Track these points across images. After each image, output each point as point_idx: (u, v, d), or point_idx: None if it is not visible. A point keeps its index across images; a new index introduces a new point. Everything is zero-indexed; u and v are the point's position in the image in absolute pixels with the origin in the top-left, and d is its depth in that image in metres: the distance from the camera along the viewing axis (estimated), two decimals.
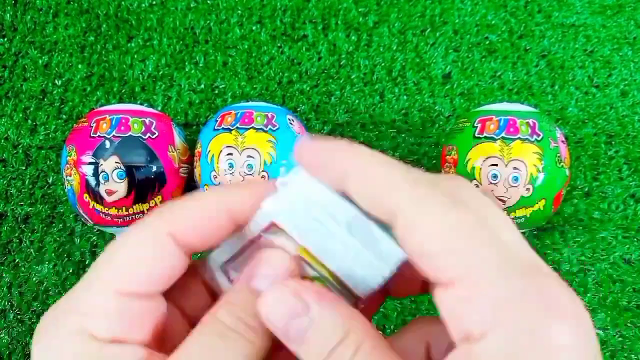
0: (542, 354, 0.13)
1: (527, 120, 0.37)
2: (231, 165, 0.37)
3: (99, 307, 0.16)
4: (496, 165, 0.36)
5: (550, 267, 0.15)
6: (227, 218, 0.18)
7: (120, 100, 0.47)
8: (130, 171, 0.37)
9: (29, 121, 0.46)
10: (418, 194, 0.15)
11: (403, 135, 0.47)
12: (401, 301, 0.42)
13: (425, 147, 0.46)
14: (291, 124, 0.39)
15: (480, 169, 0.36)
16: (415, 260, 0.16)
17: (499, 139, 0.36)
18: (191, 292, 0.20)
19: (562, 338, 0.13)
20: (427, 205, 0.15)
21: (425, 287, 0.19)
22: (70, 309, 0.17)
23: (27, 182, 0.45)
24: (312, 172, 0.18)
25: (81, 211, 0.38)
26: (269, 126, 0.38)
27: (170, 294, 0.18)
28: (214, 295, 0.20)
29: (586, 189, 0.45)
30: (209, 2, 0.50)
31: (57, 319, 0.16)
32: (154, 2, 0.50)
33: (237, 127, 0.38)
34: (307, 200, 0.18)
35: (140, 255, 0.17)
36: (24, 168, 0.45)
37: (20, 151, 0.45)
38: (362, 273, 0.18)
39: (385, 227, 0.17)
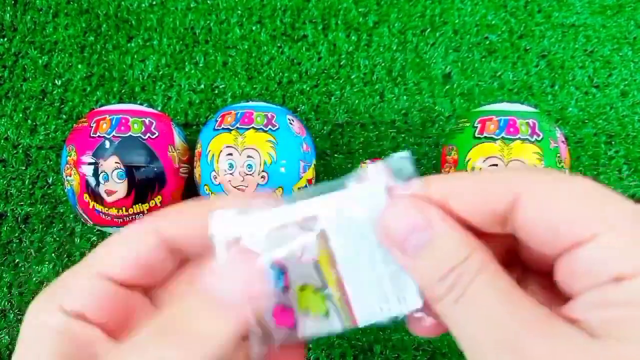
0: None
1: (527, 121, 0.37)
2: (231, 166, 0.37)
3: (75, 285, 0.18)
4: (496, 165, 0.36)
5: None
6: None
7: (120, 100, 0.47)
8: (130, 171, 0.37)
9: (29, 121, 0.46)
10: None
11: (403, 135, 0.47)
12: None
13: (425, 147, 0.46)
14: (291, 124, 0.39)
15: (481, 169, 0.36)
16: (546, 233, 0.15)
17: (499, 139, 0.36)
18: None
19: None
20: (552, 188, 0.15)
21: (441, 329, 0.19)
22: (52, 290, 0.18)
23: (27, 182, 0.45)
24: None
25: (81, 211, 0.38)
26: (269, 126, 0.38)
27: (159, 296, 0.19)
28: None
29: None
30: (209, 2, 0.50)
31: (39, 301, 0.18)
32: (154, 2, 0.50)
33: (237, 127, 0.38)
34: (364, 206, 0.17)
35: (125, 245, 0.18)
36: (24, 168, 0.45)
37: (20, 151, 0.45)
38: (372, 302, 0.17)
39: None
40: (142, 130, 0.38)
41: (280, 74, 0.48)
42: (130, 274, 0.18)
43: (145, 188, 0.37)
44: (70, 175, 0.38)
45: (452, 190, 0.16)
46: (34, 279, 0.43)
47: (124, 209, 0.37)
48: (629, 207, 0.14)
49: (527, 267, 0.18)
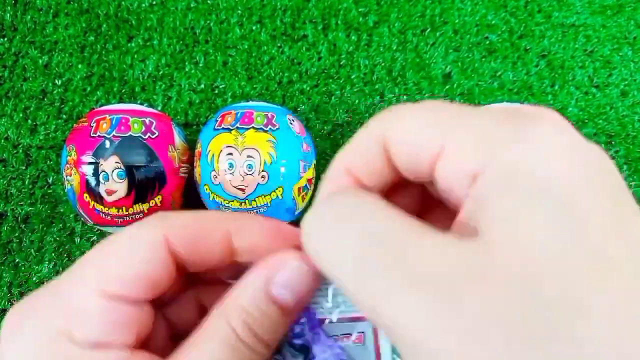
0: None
1: None
2: (231, 165, 0.37)
3: (82, 309, 0.15)
4: None
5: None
6: (223, 239, 0.17)
7: (120, 100, 0.47)
8: (130, 171, 0.37)
9: (29, 121, 0.46)
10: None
11: None
12: None
13: None
14: (291, 124, 0.39)
15: None
16: (411, 154, 0.15)
17: None
18: (180, 304, 0.19)
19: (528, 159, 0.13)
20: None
21: None
22: (51, 307, 0.15)
23: (27, 182, 0.45)
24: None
25: (81, 211, 0.38)
26: (269, 126, 0.38)
27: (156, 302, 0.17)
28: (202, 310, 0.19)
29: None
30: (209, 2, 0.50)
31: (37, 317, 0.15)
32: (154, 2, 0.50)
33: (237, 127, 0.38)
34: None
35: (131, 257, 0.16)
36: (24, 168, 0.45)
37: (20, 151, 0.45)
38: None
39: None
40: (142, 130, 0.38)
41: (280, 73, 0.48)
42: (136, 290, 0.16)
43: (146, 188, 0.38)
44: (70, 175, 0.38)
45: (346, 162, 0.17)
46: (34, 279, 0.43)
47: (124, 208, 0.37)
48: (459, 109, 0.15)
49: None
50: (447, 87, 0.48)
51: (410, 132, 0.15)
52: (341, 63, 0.49)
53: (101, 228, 0.40)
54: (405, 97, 0.48)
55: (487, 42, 0.50)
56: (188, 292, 0.19)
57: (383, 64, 0.49)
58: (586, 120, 0.48)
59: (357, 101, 0.48)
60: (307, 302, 0.17)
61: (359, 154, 0.16)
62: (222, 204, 0.38)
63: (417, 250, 0.13)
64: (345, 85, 0.48)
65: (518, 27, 0.50)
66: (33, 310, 0.15)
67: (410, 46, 0.50)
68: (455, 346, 0.11)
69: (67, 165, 0.38)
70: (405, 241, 0.13)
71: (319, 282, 0.17)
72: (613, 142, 0.47)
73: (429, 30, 0.50)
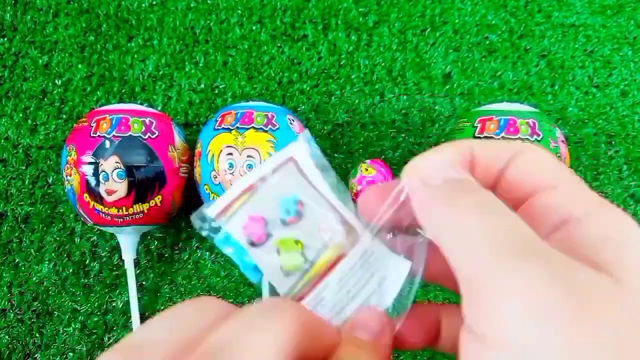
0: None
1: (527, 120, 0.37)
2: (231, 165, 0.37)
3: None
4: None
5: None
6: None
7: (120, 100, 0.47)
8: (130, 171, 0.37)
9: (29, 121, 0.46)
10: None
11: (403, 135, 0.47)
12: None
13: (425, 147, 0.46)
14: (291, 124, 0.39)
15: None
16: (524, 178, 0.18)
17: (499, 138, 0.36)
18: None
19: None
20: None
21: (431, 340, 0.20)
22: None
23: (27, 182, 0.45)
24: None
25: (81, 211, 0.38)
26: (269, 126, 0.38)
27: None
28: None
29: None
30: (209, 2, 0.50)
31: None
32: (154, 2, 0.50)
33: (237, 127, 0.38)
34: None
35: None
36: (24, 168, 0.45)
37: (20, 151, 0.45)
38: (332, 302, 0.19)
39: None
40: (142, 130, 0.38)
41: (280, 73, 0.49)
42: None
43: (146, 188, 0.38)
44: (70, 175, 0.38)
45: (471, 148, 0.19)
46: (34, 279, 0.43)
47: (124, 208, 0.37)
48: (580, 179, 0.17)
49: None
50: (447, 87, 0.48)
51: (535, 166, 0.18)
52: (341, 63, 0.49)
53: (101, 228, 0.40)
54: (405, 97, 0.48)
55: (487, 42, 0.50)
56: None
57: (383, 64, 0.49)
58: (586, 120, 0.48)
59: (357, 101, 0.48)
60: (387, 339, 0.19)
61: (492, 152, 0.18)
62: None
63: (549, 253, 0.14)
64: (345, 85, 0.48)
65: (518, 27, 0.50)
66: None
67: (410, 46, 0.50)
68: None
69: (67, 165, 0.38)
70: (542, 245, 0.14)
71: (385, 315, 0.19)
72: (613, 142, 0.47)
73: (429, 30, 0.50)
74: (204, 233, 0.19)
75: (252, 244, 0.19)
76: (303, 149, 0.20)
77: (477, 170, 0.18)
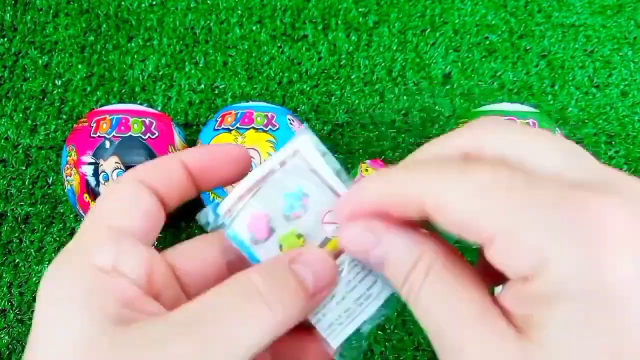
0: (597, 288, 0.13)
1: (527, 120, 0.37)
2: None
3: (97, 241, 0.17)
4: None
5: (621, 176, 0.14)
6: (185, 171, 0.20)
7: (120, 100, 0.47)
8: None
9: (29, 121, 0.46)
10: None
11: (403, 135, 0.47)
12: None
13: None
14: (291, 124, 0.39)
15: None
16: (460, 231, 0.15)
17: None
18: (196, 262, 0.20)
19: (618, 268, 0.13)
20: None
21: None
22: (74, 250, 0.17)
23: (27, 182, 0.45)
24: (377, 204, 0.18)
25: (81, 211, 0.38)
26: (269, 126, 0.38)
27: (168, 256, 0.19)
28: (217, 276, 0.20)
29: None
30: (209, 2, 0.50)
31: (63, 261, 0.17)
32: (154, 2, 0.50)
33: (237, 127, 0.38)
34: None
35: (121, 197, 0.18)
36: (24, 168, 0.45)
37: (20, 151, 0.45)
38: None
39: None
40: (142, 130, 0.38)
41: (280, 74, 0.48)
42: (143, 226, 0.18)
43: None
44: (70, 175, 0.38)
45: (379, 195, 0.17)
46: (34, 279, 0.43)
47: None
48: (513, 197, 0.14)
49: None
50: (447, 87, 0.48)
51: (461, 212, 0.15)
52: (341, 63, 0.49)
53: None
54: (405, 97, 0.48)
55: (487, 42, 0.50)
56: (198, 244, 0.21)
57: (383, 64, 0.49)
58: (586, 121, 0.48)
59: (357, 101, 0.48)
60: (326, 294, 0.18)
61: (399, 210, 0.17)
62: None
63: (478, 344, 0.14)
64: (345, 85, 0.48)
65: (518, 27, 0.50)
66: (60, 257, 0.17)
67: (410, 46, 0.50)
68: None
69: (67, 165, 0.38)
70: (464, 334, 0.15)
71: (336, 279, 0.19)
72: (613, 142, 0.47)
73: (429, 30, 0.50)
74: (209, 230, 0.20)
75: (256, 242, 0.19)
76: (307, 139, 0.20)
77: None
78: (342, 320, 0.19)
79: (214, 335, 0.15)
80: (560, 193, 0.14)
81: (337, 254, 0.19)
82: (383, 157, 0.46)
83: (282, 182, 0.20)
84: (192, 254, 0.20)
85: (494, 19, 0.51)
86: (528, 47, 0.50)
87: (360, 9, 0.50)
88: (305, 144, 0.20)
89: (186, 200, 0.21)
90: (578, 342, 0.13)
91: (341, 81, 0.48)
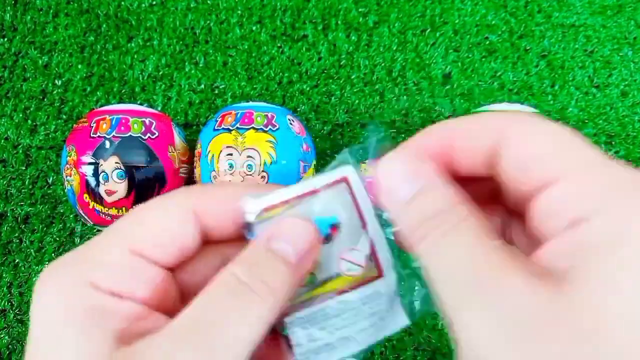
0: None
1: None
2: (231, 166, 0.37)
3: (110, 261, 0.16)
4: None
5: None
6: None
7: (120, 100, 0.47)
8: (130, 171, 0.37)
9: (29, 121, 0.46)
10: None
11: (403, 135, 0.47)
12: None
13: None
14: (291, 124, 0.39)
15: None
16: (520, 173, 0.15)
17: None
18: (196, 270, 0.20)
19: None
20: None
21: None
22: (77, 260, 0.17)
23: (27, 182, 0.45)
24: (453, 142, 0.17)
25: (81, 211, 0.38)
26: (269, 126, 0.38)
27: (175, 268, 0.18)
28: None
29: None
30: (209, 2, 0.50)
31: (66, 267, 0.16)
32: (154, 2, 0.50)
33: (237, 127, 0.38)
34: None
35: (164, 223, 0.17)
36: (24, 168, 0.45)
37: (20, 151, 0.45)
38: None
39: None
40: (142, 131, 0.38)
41: (280, 74, 0.48)
42: (164, 253, 0.17)
43: (146, 188, 0.38)
44: (70, 175, 0.38)
45: (447, 137, 0.17)
46: (34, 279, 0.43)
47: (124, 209, 0.37)
48: (592, 153, 0.15)
49: (511, 212, 0.18)
50: (447, 87, 0.48)
51: (529, 154, 0.15)
52: (341, 63, 0.49)
53: (101, 228, 0.40)
54: (405, 97, 0.48)
55: (487, 42, 0.50)
56: (205, 258, 0.20)
57: (383, 64, 0.49)
58: (586, 121, 0.48)
59: (357, 101, 0.48)
60: (313, 258, 0.18)
61: (470, 139, 0.17)
62: None
63: (507, 288, 0.14)
64: (345, 85, 0.48)
65: (518, 27, 0.50)
66: (64, 263, 0.16)
67: (410, 46, 0.50)
68: None
69: (67, 165, 0.38)
70: (496, 277, 0.14)
71: (321, 240, 0.18)
72: (613, 143, 0.47)
73: (429, 30, 0.50)
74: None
75: None
76: (355, 174, 0.19)
77: (460, 164, 0.17)
78: (316, 343, 0.19)
79: (213, 339, 0.15)
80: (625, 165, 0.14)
81: (340, 291, 0.19)
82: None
83: (320, 205, 0.19)
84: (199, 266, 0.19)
85: (494, 19, 0.51)
86: (528, 47, 0.50)
87: (360, 9, 0.50)
88: (352, 175, 0.19)
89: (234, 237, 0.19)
90: (628, 289, 0.13)
91: (341, 81, 0.48)
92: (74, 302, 0.16)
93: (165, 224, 0.17)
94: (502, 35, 0.50)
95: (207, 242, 0.19)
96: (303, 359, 0.19)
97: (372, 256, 0.19)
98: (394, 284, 0.19)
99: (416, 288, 0.20)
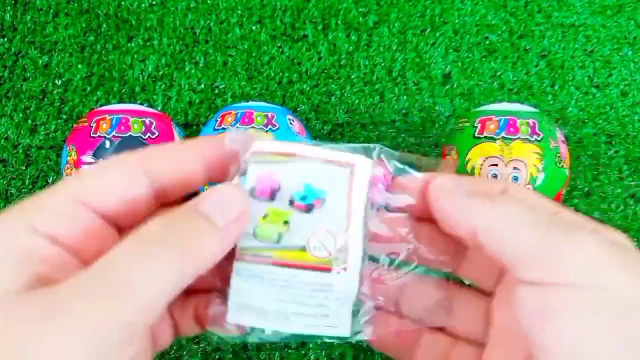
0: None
1: (527, 120, 0.37)
2: None
3: (49, 206, 0.17)
4: (496, 165, 0.36)
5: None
6: (201, 163, 0.19)
7: (120, 100, 0.47)
8: None
9: (29, 121, 0.46)
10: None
11: (403, 135, 0.47)
12: None
13: (425, 147, 0.46)
14: (291, 124, 0.39)
15: (480, 169, 0.36)
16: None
17: (499, 138, 0.36)
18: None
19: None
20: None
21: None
22: (22, 207, 0.17)
23: (27, 182, 0.45)
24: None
25: None
26: (269, 126, 0.38)
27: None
28: None
29: (586, 189, 0.45)
30: (209, 2, 0.50)
31: (5, 214, 0.16)
32: (154, 2, 0.50)
33: (237, 127, 0.38)
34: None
35: (111, 176, 0.18)
36: (24, 168, 0.45)
37: (20, 151, 0.45)
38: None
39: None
40: (142, 130, 0.38)
41: (280, 74, 0.49)
42: (113, 209, 0.17)
43: None
44: (70, 175, 0.38)
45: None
46: None
47: None
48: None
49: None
50: (447, 87, 0.48)
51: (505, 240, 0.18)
52: (341, 63, 0.49)
53: None
54: (405, 97, 0.48)
55: (487, 42, 0.50)
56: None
57: (383, 64, 0.49)
58: (586, 120, 0.48)
59: (357, 101, 0.48)
60: (239, 225, 0.18)
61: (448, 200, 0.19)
62: None
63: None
64: (345, 85, 0.48)
65: (518, 27, 0.50)
66: (9, 210, 0.17)
67: (410, 46, 0.50)
68: None
69: (67, 165, 0.38)
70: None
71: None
72: (613, 142, 0.47)
73: (429, 30, 0.50)
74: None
75: (252, 194, 0.19)
76: (369, 166, 0.20)
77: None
78: (257, 304, 0.19)
79: (115, 289, 0.14)
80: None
81: (297, 266, 0.19)
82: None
83: (315, 174, 0.19)
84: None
85: (494, 19, 0.51)
86: (528, 47, 0.50)
87: (360, 9, 0.50)
88: (365, 169, 0.19)
89: (190, 192, 0.20)
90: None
91: (341, 81, 0.48)
92: (8, 242, 0.15)
93: (113, 176, 0.18)
94: (502, 35, 0.50)
95: (166, 203, 0.19)
96: (234, 308, 0.19)
97: (344, 251, 0.19)
98: (354, 290, 0.19)
99: (366, 317, 0.20)
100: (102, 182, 0.17)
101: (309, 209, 0.19)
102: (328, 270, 0.19)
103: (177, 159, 0.19)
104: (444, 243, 0.20)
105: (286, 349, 0.39)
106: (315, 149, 0.19)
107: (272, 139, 0.19)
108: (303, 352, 0.39)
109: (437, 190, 0.19)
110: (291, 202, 0.19)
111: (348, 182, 0.19)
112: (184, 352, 0.39)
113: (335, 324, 0.19)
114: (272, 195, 0.19)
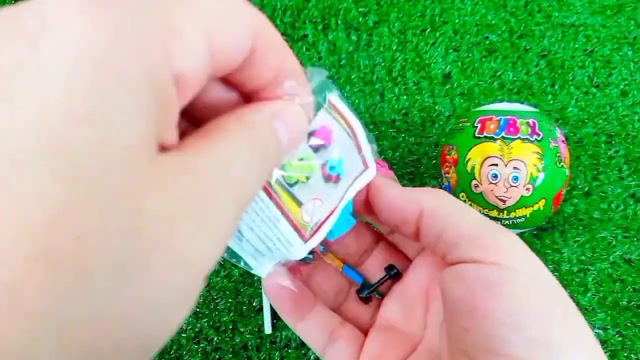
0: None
1: (527, 120, 0.37)
2: None
3: (190, 41, 0.12)
4: (496, 165, 0.36)
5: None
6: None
7: None
8: None
9: None
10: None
11: (403, 135, 0.47)
12: None
13: (425, 147, 0.46)
14: None
15: (480, 168, 0.36)
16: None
17: (499, 138, 0.36)
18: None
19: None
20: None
21: None
22: (165, 34, 0.12)
23: None
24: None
25: None
26: None
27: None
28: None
29: (586, 189, 0.45)
30: None
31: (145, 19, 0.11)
32: None
33: None
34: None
35: (229, 29, 0.14)
36: None
37: None
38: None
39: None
40: None
41: None
42: (227, 70, 0.15)
43: None
44: None
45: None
46: None
47: None
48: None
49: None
50: (447, 86, 0.48)
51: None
52: (341, 63, 0.49)
53: None
54: (405, 97, 0.48)
55: (487, 42, 0.50)
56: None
57: (383, 64, 0.49)
58: (586, 120, 0.48)
59: (357, 101, 0.48)
60: (296, 145, 0.19)
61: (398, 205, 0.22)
62: None
63: None
64: (345, 85, 0.48)
65: (518, 27, 0.50)
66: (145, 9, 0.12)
67: (410, 46, 0.50)
68: None
69: None
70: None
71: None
72: (613, 142, 0.47)
73: (429, 30, 0.50)
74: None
75: (308, 136, 0.19)
76: (370, 178, 0.22)
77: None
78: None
79: (218, 184, 0.13)
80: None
81: (280, 206, 0.19)
82: (383, 157, 0.46)
83: (349, 156, 0.21)
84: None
85: (494, 19, 0.51)
86: (528, 47, 0.50)
87: (360, 9, 0.51)
88: (369, 175, 0.22)
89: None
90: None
91: (341, 81, 0.48)
92: (149, 74, 0.11)
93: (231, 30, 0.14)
94: (502, 35, 0.50)
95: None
96: None
97: (315, 228, 0.20)
98: (295, 258, 0.20)
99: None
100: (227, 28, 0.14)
101: (328, 179, 0.20)
102: (302, 236, 0.20)
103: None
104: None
105: (286, 349, 0.39)
106: (363, 138, 0.21)
107: (337, 94, 0.21)
108: (303, 352, 0.39)
109: (380, 183, 0.22)
110: (323, 165, 0.20)
111: (354, 177, 0.21)
112: (184, 352, 0.39)
113: (261, 265, 0.21)
114: (318, 148, 0.20)
